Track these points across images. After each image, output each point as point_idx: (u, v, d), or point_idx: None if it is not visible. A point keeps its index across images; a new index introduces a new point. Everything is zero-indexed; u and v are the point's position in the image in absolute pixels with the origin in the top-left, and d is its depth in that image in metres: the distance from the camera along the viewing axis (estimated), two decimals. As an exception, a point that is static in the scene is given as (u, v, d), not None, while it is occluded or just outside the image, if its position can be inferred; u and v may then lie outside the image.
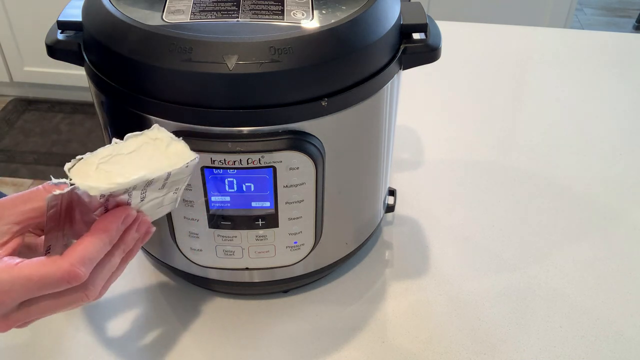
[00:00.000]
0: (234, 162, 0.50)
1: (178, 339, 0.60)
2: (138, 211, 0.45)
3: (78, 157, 0.42)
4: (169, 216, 0.54)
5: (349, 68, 0.50)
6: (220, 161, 0.50)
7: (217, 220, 0.54)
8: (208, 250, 0.56)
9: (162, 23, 0.49)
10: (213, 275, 0.60)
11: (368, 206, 0.64)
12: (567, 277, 0.67)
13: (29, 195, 0.43)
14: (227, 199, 0.53)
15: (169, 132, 0.46)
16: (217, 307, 0.63)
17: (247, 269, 0.58)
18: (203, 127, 0.49)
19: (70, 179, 0.41)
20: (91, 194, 0.40)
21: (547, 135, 0.90)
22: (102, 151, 0.43)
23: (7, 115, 2.42)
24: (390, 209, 0.71)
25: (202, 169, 0.50)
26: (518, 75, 1.07)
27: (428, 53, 0.56)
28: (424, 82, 0.99)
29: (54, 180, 0.42)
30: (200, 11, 0.51)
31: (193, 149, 0.48)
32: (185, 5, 0.52)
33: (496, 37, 1.17)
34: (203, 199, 0.52)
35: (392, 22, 0.53)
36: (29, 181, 2.10)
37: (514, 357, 0.59)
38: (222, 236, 0.55)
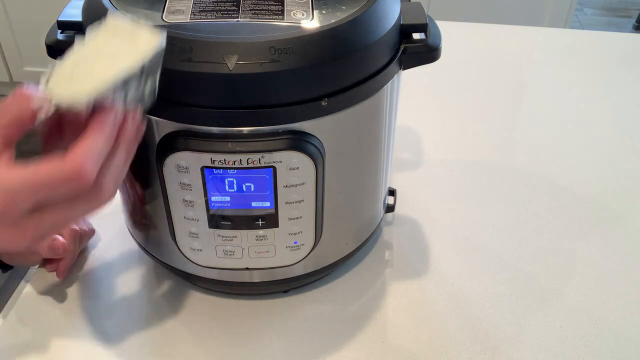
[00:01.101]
0: (234, 162, 0.49)
1: (178, 339, 0.60)
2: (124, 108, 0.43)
3: (49, 69, 0.40)
4: (169, 216, 0.55)
5: (349, 68, 0.50)
6: (220, 161, 0.49)
7: (217, 220, 0.54)
8: (208, 250, 0.56)
9: (162, 23, 0.49)
10: (213, 275, 0.60)
11: (368, 206, 0.64)
12: (567, 277, 0.67)
13: (4, 107, 0.41)
14: (227, 199, 0.53)
15: (126, 19, 0.44)
16: (217, 307, 0.63)
17: (247, 269, 0.58)
18: (203, 127, 0.49)
19: (50, 92, 0.39)
20: (78, 101, 0.39)
21: (547, 135, 0.90)
22: (71, 57, 0.42)
23: (7, 115, 2.41)
24: (390, 209, 0.71)
25: (202, 169, 0.50)
26: (518, 75, 1.07)
27: (428, 53, 0.56)
28: (424, 82, 0.99)
29: (25, 87, 0.40)
30: (200, 11, 0.51)
31: (193, 149, 0.49)
32: (185, 5, 0.52)
33: (496, 37, 1.17)
34: (203, 199, 0.52)
35: (392, 22, 0.53)
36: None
37: (514, 357, 0.59)
38: (222, 236, 0.55)
